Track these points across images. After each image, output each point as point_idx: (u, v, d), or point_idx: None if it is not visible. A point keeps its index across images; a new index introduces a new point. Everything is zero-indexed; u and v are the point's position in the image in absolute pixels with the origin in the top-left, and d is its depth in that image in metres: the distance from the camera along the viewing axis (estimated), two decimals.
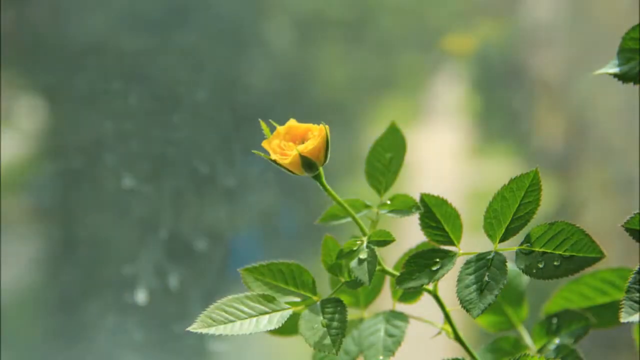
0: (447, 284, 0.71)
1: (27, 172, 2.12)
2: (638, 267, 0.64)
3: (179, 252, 2.02)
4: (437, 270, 0.67)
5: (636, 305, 0.63)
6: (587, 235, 0.64)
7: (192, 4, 2.24)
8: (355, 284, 0.68)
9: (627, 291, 0.63)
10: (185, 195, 2.06)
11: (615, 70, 0.68)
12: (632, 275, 0.63)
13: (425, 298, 0.74)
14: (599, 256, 0.63)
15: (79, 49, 2.09)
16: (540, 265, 0.64)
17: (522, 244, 0.66)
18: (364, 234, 0.69)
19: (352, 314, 0.74)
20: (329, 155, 0.67)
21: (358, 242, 0.68)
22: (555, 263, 0.64)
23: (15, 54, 2.06)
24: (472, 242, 0.70)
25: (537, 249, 0.65)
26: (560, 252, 0.64)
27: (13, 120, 2.11)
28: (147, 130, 2.09)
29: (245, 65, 2.27)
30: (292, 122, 0.67)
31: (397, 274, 0.68)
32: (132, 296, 1.84)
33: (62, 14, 2.20)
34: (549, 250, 0.65)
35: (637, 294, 0.63)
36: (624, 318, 0.63)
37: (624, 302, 0.63)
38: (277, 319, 0.66)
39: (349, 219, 0.70)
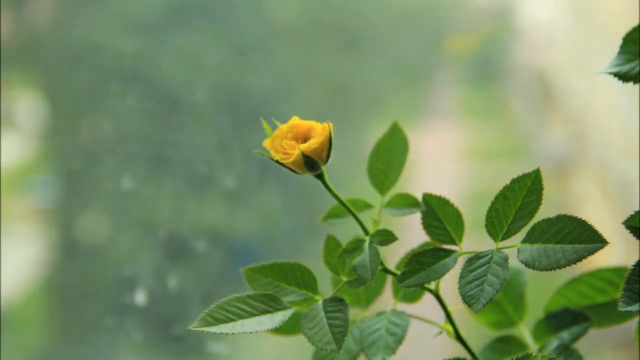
0: (448, 284, 0.71)
1: (27, 172, 2.13)
2: (638, 259, 0.64)
3: (179, 253, 2.02)
4: (439, 268, 0.67)
5: (635, 296, 0.63)
6: (590, 225, 0.64)
7: (192, 6, 2.24)
8: (357, 282, 0.69)
9: (627, 281, 0.63)
10: (185, 196, 2.07)
11: (616, 70, 0.68)
12: (632, 267, 0.64)
13: (427, 299, 0.74)
14: (603, 244, 0.63)
15: (79, 50, 2.09)
16: (543, 258, 0.65)
17: (523, 240, 0.66)
18: (366, 233, 0.69)
19: (353, 313, 0.74)
20: (332, 154, 0.67)
21: (360, 241, 0.68)
22: (558, 255, 0.64)
23: (15, 54, 2.06)
24: (472, 243, 0.70)
25: (539, 244, 0.65)
26: (562, 245, 0.64)
27: (13, 121, 2.11)
28: (147, 131, 2.10)
29: (245, 66, 2.27)
30: (295, 120, 0.66)
31: (399, 273, 0.68)
32: (132, 297, 1.84)
33: (62, 15, 2.20)
34: (551, 244, 0.65)
35: (637, 285, 0.63)
36: (623, 307, 0.63)
37: (623, 292, 0.63)
38: (279, 318, 0.66)
39: (351, 218, 0.70)
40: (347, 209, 0.69)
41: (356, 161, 2.14)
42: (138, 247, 2.02)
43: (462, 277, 0.65)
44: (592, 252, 0.64)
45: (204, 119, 2.14)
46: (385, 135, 0.75)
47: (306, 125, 0.66)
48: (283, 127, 0.66)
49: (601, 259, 0.75)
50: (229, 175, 2.05)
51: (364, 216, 0.70)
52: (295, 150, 0.65)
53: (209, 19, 2.26)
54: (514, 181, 0.67)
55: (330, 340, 0.64)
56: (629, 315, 0.76)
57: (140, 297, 1.82)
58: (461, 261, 0.67)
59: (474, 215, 0.85)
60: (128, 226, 2.06)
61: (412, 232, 0.79)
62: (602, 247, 0.64)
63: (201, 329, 0.65)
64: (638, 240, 0.66)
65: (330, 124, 0.66)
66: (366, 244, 0.68)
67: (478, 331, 0.83)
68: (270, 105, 2.25)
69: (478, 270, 0.65)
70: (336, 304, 0.66)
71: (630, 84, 0.69)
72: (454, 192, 2.35)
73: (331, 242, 0.71)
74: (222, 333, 0.65)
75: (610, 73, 0.68)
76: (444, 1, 2.89)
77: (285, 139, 0.66)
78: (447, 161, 2.57)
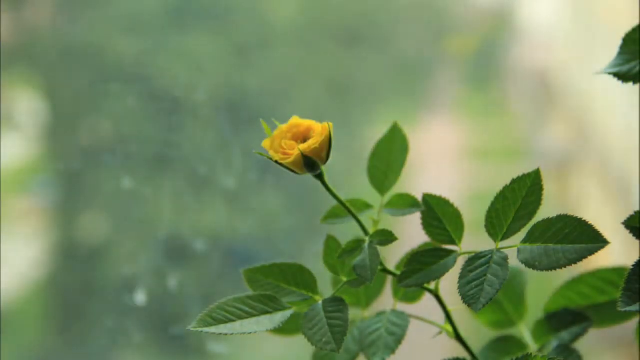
0: (448, 285, 0.71)
1: (27, 172, 2.13)
2: (638, 259, 0.64)
3: (178, 253, 2.02)
4: (439, 268, 0.67)
5: (635, 296, 0.63)
6: (590, 225, 0.64)
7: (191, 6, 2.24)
8: (357, 282, 0.69)
9: (626, 281, 0.63)
10: (185, 196, 2.07)
11: (616, 70, 0.68)
12: (632, 267, 0.64)
13: (427, 300, 0.75)
14: (603, 244, 0.63)
15: (79, 50, 2.09)
16: (543, 258, 0.65)
17: (524, 240, 0.66)
18: (366, 233, 0.69)
19: (353, 313, 0.74)
20: (331, 154, 0.66)
21: (360, 241, 0.68)
22: (558, 255, 0.64)
23: (15, 54, 2.06)
24: (471, 243, 0.70)
25: (539, 244, 0.65)
26: (562, 245, 0.64)
27: (13, 121, 2.11)
28: (147, 131, 2.10)
29: (245, 66, 2.27)
30: (294, 120, 0.66)
31: (399, 273, 0.68)
32: (132, 297, 1.84)
33: (62, 15, 2.20)
34: (551, 244, 0.65)
35: (637, 285, 0.63)
36: (623, 307, 0.63)
37: (623, 292, 0.63)
38: (278, 318, 0.66)
39: (351, 219, 0.70)
40: (347, 209, 0.69)
41: (356, 161, 2.14)
42: (138, 247, 2.02)
43: (461, 277, 0.65)
44: (592, 252, 0.64)
45: (204, 119, 2.14)
46: (385, 136, 0.75)
47: (305, 125, 0.66)
48: (282, 127, 0.66)
49: (601, 259, 0.75)
50: (229, 176, 2.05)
51: (363, 216, 0.70)
52: (295, 151, 0.65)
53: (209, 19, 2.26)
54: (514, 181, 0.67)
55: (330, 340, 0.64)
56: (629, 315, 0.76)
57: (140, 297, 1.82)
58: (461, 261, 0.67)
59: (474, 215, 0.85)
60: (128, 226, 2.06)
61: (412, 232, 0.79)
62: (602, 247, 0.64)
63: (200, 329, 0.65)
64: (638, 240, 0.66)
65: (330, 124, 0.66)
66: (366, 244, 0.68)
67: (478, 331, 0.83)
68: (270, 105, 2.25)
69: (478, 270, 0.65)
70: (336, 304, 0.66)
71: (630, 84, 0.69)
72: (454, 192, 2.35)
73: (331, 242, 0.71)
74: (221, 334, 0.65)
75: (610, 73, 0.69)
76: (444, 1, 2.89)
77: (284, 139, 0.66)
78: (447, 161, 2.57)
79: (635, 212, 0.65)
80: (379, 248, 0.68)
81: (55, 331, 2.05)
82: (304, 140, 0.66)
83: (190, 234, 2.03)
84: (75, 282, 2.05)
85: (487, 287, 0.64)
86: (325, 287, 0.71)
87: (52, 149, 2.15)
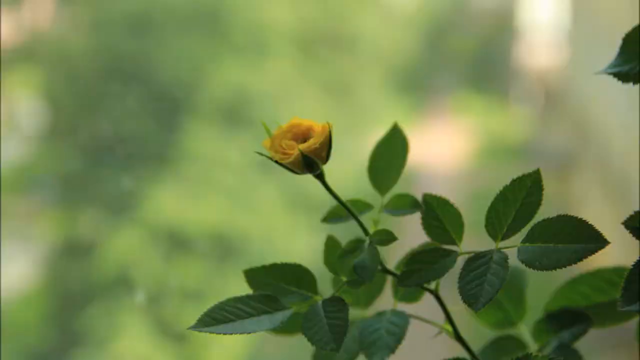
0: (448, 285, 0.71)
1: (27, 172, 2.12)
2: (638, 259, 0.64)
3: (178, 253, 2.02)
4: (439, 268, 0.67)
5: (635, 296, 0.63)
6: (590, 225, 0.64)
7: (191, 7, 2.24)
8: (356, 282, 0.69)
9: (626, 281, 0.63)
10: (185, 196, 2.07)
11: (616, 70, 0.68)
12: (631, 267, 0.63)
13: (426, 300, 0.74)
14: (603, 244, 0.63)
15: (79, 50, 2.09)
16: (543, 258, 0.64)
17: (524, 240, 0.66)
18: (366, 234, 0.69)
19: (353, 313, 0.74)
20: (331, 154, 0.66)
21: (360, 241, 0.68)
22: (558, 255, 0.64)
23: (15, 54, 2.06)
24: (471, 243, 0.70)
25: (539, 244, 0.65)
26: (562, 245, 0.64)
27: (14, 122, 2.11)
28: (147, 131, 2.10)
29: (244, 66, 2.27)
30: (294, 120, 0.66)
31: (399, 273, 0.68)
32: (132, 297, 1.84)
33: (62, 15, 2.20)
34: (551, 244, 0.65)
35: (637, 285, 0.63)
36: (623, 307, 0.63)
37: (623, 292, 0.63)
38: (278, 318, 0.66)
39: (352, 219, 0.70)
40: (347, 209, 0.69)
41: (356, 162, 2.14)
42: (138, 247, 2.02)
43: (462, 277, 0.65)
44: (592, 252, 0.64)
45: (204, 119, 2.14)
46: (385, 136, 0.75)
47: (306, 125, 0.66)
48: (282, 127, 0.66)
49: (601, 259, 0.75)
50: (229, 175, 2.05)
51: (363, 216, 0.70)
52: (295, 150, 0.65)
53: (209, 20, 2.26)
54: (514, 181, 0.67)
55: (329, 340, 0.64)
56: (629, 315, 0.76)
57: (140, 297, 1.82)
58: (461, 261, 0.67)
59: (474, 215, 0.85)
60: (128, 226, 2.06)
61: (412, 232, 0.79)
62: (602, 247, 0.64)
63: (200, 329, 0.65)
64: (638, 240, 0.66)
65: (330, 124, 0.66)
66: (366, 244, 0.68)
67: (478, 331, 0.83)
68: (270, 106, 2.25)
69: (478, 270, 0.65)
70: (336, 304, 0.66)
71: (630, 84, 0.69)
72: (454, 192, 2.35)
73: (331, 242, 0.71)
74: (221, 334, 0.65)
75: (610, 73, 0.69)
76: (444, 2, 2.89)
77: (284, 139, 0.66)
78: (447, 161, 2.57)
79: (635, 212, 0.65)
80: (379, 248, 0.68)
81: (55, 331, 2.05)
82: (304, 140, 0.66)
83: (190, 234, 2.04)
84: (75, 282, 2.05)
85: (487, 287, 0.64)
86: (325, 287, 0.71)
87: (52, 149, 2.15)
